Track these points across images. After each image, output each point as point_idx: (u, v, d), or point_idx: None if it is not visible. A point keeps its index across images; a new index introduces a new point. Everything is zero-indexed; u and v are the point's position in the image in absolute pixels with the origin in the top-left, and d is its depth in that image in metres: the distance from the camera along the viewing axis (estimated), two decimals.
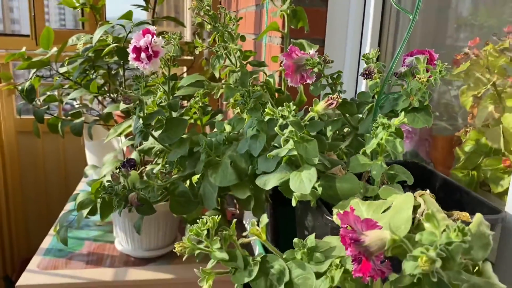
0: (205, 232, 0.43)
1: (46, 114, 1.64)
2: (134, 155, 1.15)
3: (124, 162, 0.67)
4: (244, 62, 0.76)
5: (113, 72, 1.82)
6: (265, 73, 0.78)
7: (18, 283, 1.26)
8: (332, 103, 0.48)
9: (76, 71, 1.50)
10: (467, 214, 0.49)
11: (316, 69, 0.66)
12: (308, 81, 0.73)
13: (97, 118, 1.58)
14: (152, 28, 0.73)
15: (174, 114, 0.76)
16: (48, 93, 1.82)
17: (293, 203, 0.52)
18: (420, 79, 0.52)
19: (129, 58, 0.72)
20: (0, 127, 2.25)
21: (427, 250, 0.34)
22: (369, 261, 0.36)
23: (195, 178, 0.74)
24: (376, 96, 0.63)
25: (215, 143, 0.68)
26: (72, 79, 1.55)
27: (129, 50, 0.73)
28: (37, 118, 1.61)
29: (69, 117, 1.63)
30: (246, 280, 0.42)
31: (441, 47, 1.08)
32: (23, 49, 1.64)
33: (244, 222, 1.27)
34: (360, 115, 0.71)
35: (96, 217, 1.58)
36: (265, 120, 0.59)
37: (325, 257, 0.42)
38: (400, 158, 0.52)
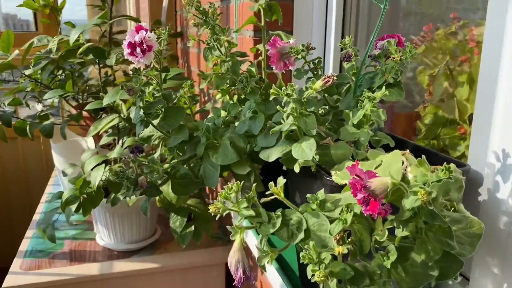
0: (233, 194, 0.50)
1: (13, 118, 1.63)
2: (117, 150, 1.19)
3: (133, 148, 0.72)
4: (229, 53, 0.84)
5: (76, 73, 1.83)
6: (250, 62, 0.85)
7: (4, 285, 1.26)
8: (329, 81, 0.57)
9: (45, 73, 1.50)
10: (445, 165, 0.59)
11: (299, 56, 0.74)
12: (290, 67, 0.81)
13: (68, 118, 1.58)
14: (144, 24, 0.79)
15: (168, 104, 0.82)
16: (11, 96, 1.80)
17: (296, 170, 0.60)
18: (394, 58, 0.62)
19: (124, 53, 0.78)
20: None
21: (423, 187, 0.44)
22: (376, 202, 0.45)
23: (192, 161, 0.81)
24: (354, 77, 0.73)
25: (214, 127, 0.75)
26: (40, 81, 1.55)
27: (124, 46, 0.78)
28: (4, 122, 1.60)
29: (37, 120, 1.63)
30: (272, 231, 0.50)
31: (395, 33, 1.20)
32: None
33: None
34: (337, 96, 0.81)
35: (73, 217, 1.60)
36: (263, 101, 0.67)
37: (334, 206, 0.51)
38: (382, 126, 0.62)
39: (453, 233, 0.45)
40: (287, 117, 0.60)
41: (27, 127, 1.63)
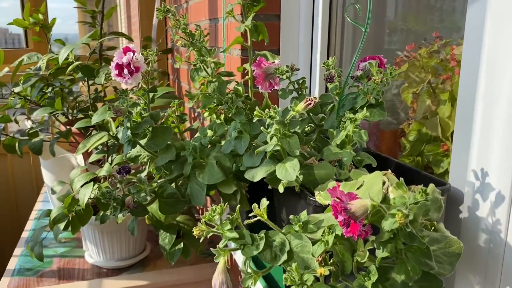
0: (217, 217, 0.51)
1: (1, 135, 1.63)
2: (106, 167, 1.19)
3: (120, 169, 0.73)
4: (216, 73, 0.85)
5: (65, 90, 1.84)
6: (237, 82, 0.87)
7: None
8: (310, 103, 0.59)
9: (35, 90, 1.51)
10: (422, 187, 0.61)
11: (284, 76, 0.76)
12: (276, 87, 0.83)
13: (58, 136, 1.58)
14: (131, 46, 0.80)
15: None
16: (1, 113, 1.79)
17: (280, 190, 0.61)
18: (375, 80, 0.64)
19: (112, 75, 0.79)
20: None
21: (401, 210, 0.45)
22: (356, 223, 0.46)
23: (179, 180, 0.82)
24: (337, 97, 0.74)
25: (200, 146, 0.76)
26: (29, 99, 1.55)
27: (111, 67, 0.80)
28: None
29: (25, 137, 1.63)
30: (255, 253, 0.51)
31: (379, 51, 1.23)
32: None
33: None
34: (322, 115, 0.82)
35: (62, 234, 1.58)
36: (248, 122, 0.68)
37: (317, 227, 0.51)
38: (364, 146, 0.63)
39: (431, 254, 0.46)
40: (271, 138, 0.61)
41: (16, 144, 1.63)
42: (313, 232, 0.51)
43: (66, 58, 1.27)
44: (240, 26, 0.93)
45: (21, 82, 1.55)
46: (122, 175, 0.73)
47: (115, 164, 1.22)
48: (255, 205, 0.53)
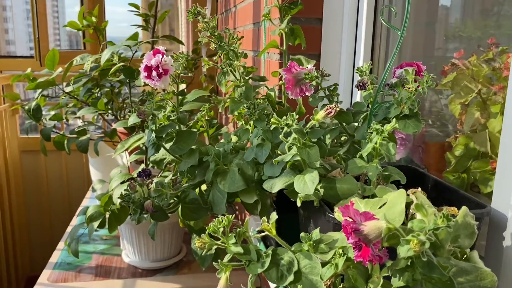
0: (221, 229, 0.48)
1: (52, 132, 1.70)
2: (141, 168, 1.20)
3: (140, 172, 0.72)
4: (247, 78, 0.82)
5: (116, 90, 1.89)
6: (267, 87, 0.84)
7: None
8: (331, 112, 0.54)
9: (82, 90, 1.56)
10: (455, 209, 0.54)
11: (314, 82, 0.72)
12: (307, 93, 0.79)
13: (102, 135, 1.63)
14: (161, 48, 0.79)
15: (182, 127, 0.82)
16: (54, 112, 1.88)
17: (298, 203, 0.57)
18: (409, 88, 0.58)
19: (141, 76, 0.78)
20: (4, 146, 2.29)
21: (418, 235, 0.39)
22: (368, 247, 0.41)
23: (204, 186, 0.80)
24: (370, 106, 0.69)
25: (223, 152, 0.73)
26: (79, 98, 1.60)
27: (141, 69, 0.79)
28: (44, 136, 1.66)
29: (74, 135, 1.69)
30: (260, 271, 0.47)
31: (430, 59, 1.15)
32: (28, 70, 1.70)
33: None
34: (356, 124, 0.77)
35: (103, 231, 1.62)
36: (270, 129, 0.65)
37: (329, 248, 0.47)
38: (393, 160, 0.58)
39: (455, 287, 0.41)
40: (290, 147, 0.57)
41: (65, 142, 1.69)
42: (324, 253, 0.46)
43: (111, 60, 1.29)
44: (276, 29, 0.90)
45: (72, 82, 1.61)
46: (142, 178, 0.71)
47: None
48: (264, 218, 0.50)
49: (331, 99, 0.73)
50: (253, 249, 0.48)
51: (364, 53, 1.07)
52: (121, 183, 1.18)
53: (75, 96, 1.66)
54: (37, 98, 1.70)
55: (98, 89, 1.64)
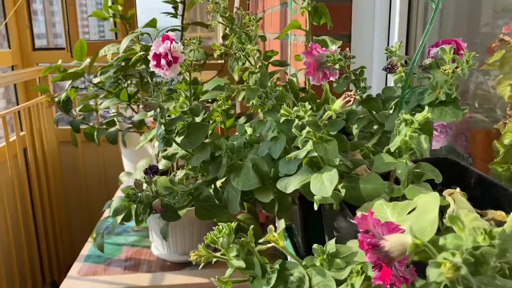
0: (221, 239, 0.42)
1: (82, 124, 1.69)
2: (163, 160, 1.16)
3: (146, 169, 0.67)
4: (266, 63, 0.75)
5: (145, 80, 1.86)
6: (286, 73, 0.76)
7: None
8: (350, 101, 0.46)
9: (108, 81, 1.53)
10: (503, 213, 0.45)
11: (337, 66, 0.64)
12: (331, 78, 0.71)
13: (131, 125, 1.60)
14: (171, 34, 0.73)
15: (198, 119, 0.76)
16: (84, 103, 1.88)
17: (315, 207, 0.50)
18: (445, 70, 0.49)
19: (150, 65, 0.72)
20: (42, 138, 2.33)
21: (453, 255, 0.31)
22: (389, 268, 0.34)
23: (219, 182, 0.74)
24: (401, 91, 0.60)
25: (237, 146, 0.67)
26: (105, 89, 1.58)
27: (150, 57, 0.73)
28: (73, 128, 1.66)
29: (104, 126, 1.67)
30: None
31: (475, 35, 1.03)
32: (59, 61, 1.69)
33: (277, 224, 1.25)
34: (387, 111, 0.68)
35: (133, 222, 1.60)
36: (284, 121, 0.58)
37: (346, 263, 0.40)
38: (426, 155, 0.49)
39: None
40: (305, 142, 0.50)
41: (95, 133, 1.68)
42: (340, 269, 0.39)
43: (133, 49, 1.25)
44: (298, 8, 0.82)
45: (99, 73, 1.59)
46: (149, 175, 0.66)
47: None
48: (271, 227, 0.43)
49: (357, 84, 0.65)
50: (257, 263, 0.42)
51: (399, 33, 0.97)
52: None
53: (103, 87, 1.64)
54: (67, 89, 1.70)
55: (125, 79, 1.61)
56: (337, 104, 0.47)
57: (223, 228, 0.42)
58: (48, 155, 2.38)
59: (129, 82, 1.67)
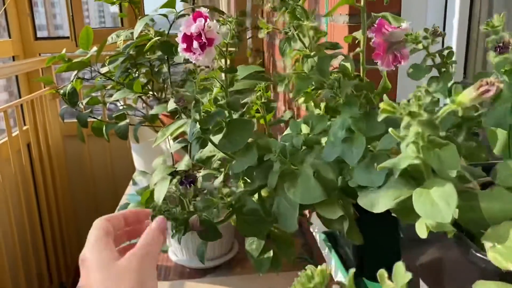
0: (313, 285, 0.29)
1: (89, 118, 1.57)
2: (185, 160, 1.03)
3: (182, 179, 0.54)
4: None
5: (155, 69, 1.72)
6: (344, 56, 0.63)
7: None
8: (488, 91, 0.33)
9: (117, 71, 1.40)
10: None
11: (420, 46, 0.50)
12: (403, 62, 0.58)
13: (143, 119, 1.48)
14: (204, 10, 0.60)
15: (235, 115, 0.63)
16: (91, 95, 1.75)
17: (422, 234, 0.37)
18: None
19: (179, 49, 0.59)
20: (46, 132, 2.21)
21: None
22: None
23: (264, 191, 0.61)
24: (508, 77, 0.47)
25: (291, 148, 0.54)
26: (114, 79, 1.45)
27: (178, 39, 0.60)
28: (81, 123, 1.53)
29: (113, 120, 1.55)
30: None
31: None
32: (63, 51, 1.56)
33: (312, 229, 1.13)
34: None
35: None
36: (364, 117, 0.45)
37: None
38: None
39: None
40: (407, 147, 0.37)
41: (103, 128, 1.55)
42: None
43: (146, 34, 1.12)
44: None
45: (107, 62, 1.45)
46: (185, 186, 0.54)
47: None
48: (382, 272, 0.30)
49: (443, 70, 0.52)
50: None
51: (461, 7, 0.83)
52: (165, 177, 1.02)
53: (111, 78, 1.51)
54: (72, 81, 1.56)
55: (136, 69, 1.48)
56: (467, 96, 0.34)
57: (313, 273, 0.29)
58: (53, 150, 2.26)
59: (139, 72, 1.54)
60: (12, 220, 1.77)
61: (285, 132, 0.61)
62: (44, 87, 2.22)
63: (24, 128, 2.02)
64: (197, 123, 0.56)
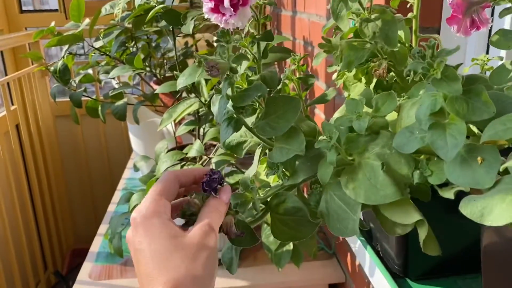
0: None
1: (83, 97, 1.44)
2: (196, 146, 0.92)
3: (205, 182, 0.42)
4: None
5: (153, 44, 1.59)
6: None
7: None
8: None
9: (113, 45, 1.27)
10: None
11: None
12: (482, 27, 0.47)
13: (142, 99, 1.36)
14: None
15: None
16: (83, 72, 1.62)
17: None
18: None
19: (204, 9, 0.48)
20: (36, 112, 2.07)
21: None
22: None
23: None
24: None
25: (349, 134, 0.43)
26: (110, 55, 1.33)
27: None
28: (74, 103, 1.41)
29: (109, 99, 1.42)
30: None
31: None
32: (52, 23, 1.42)
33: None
34: None
35: None
36: (466, 94, 0.34)
37: None
38: None
39: None
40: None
41: (99, 108, 1.43)
42: None
43: (147, 3, 0.99)
44: None
45: (102, 35, 1.32)
46: (209, 192, 0.43)
47: (209, 140, 0.95)
48: None
49: None
50: None
51: None
52: (173, 165, 0.91)
53: (107, 53, 1.38)
54: (63, 57, 1.43)
55: (133, 42, 1.36)
56: None
57: None
58: (44, 131, 2.13)
59: (136, 46, 1.41)
60: (2, 205, 1.65)
61: (336, 114, 0.50)
62: (32, 64, 2.07)
63: (12, 108, 1.88)
64: (230, 100, 0.45)
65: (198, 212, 0.43)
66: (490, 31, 0.79)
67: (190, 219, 0.43)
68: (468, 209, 0.32)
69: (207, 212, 0.41)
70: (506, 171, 0.32)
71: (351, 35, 0.55)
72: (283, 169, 0.50)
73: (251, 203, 0.46)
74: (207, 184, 0.43)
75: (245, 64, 0.45)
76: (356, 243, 0.85)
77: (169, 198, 0.42)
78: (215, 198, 0.43)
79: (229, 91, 0.45)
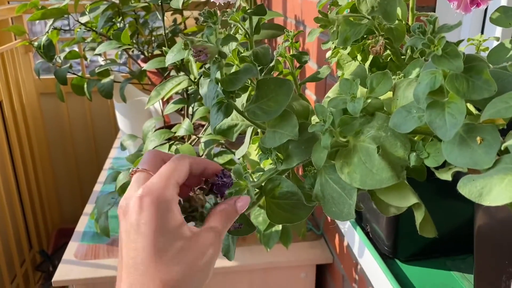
0: None
1: (68, 74, 1.40)
2: (185, 125, 0.90)
3: (217, 185, 0.41)
4: None
5: (141, 20, 1.55)
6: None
7: (54, 278, 1.07)
8: None
9: (100, 20, 1.23)
10: None
11: None
12: (483, 4, 0.46)
13: (129, 76, 1.33)
14: None
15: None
16: (68, 49, 1.57)
17: None
18: None
19: None
20: (19, 89, 2.02)
21: None
22: None
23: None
24: None
25: (344, 116, 0.42)
26: (97, 30, 1.29)
27: None
28: (59, 79, 1.37)
29: (95, 76, 1.39)
30: None
31: None
32: None
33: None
34: None
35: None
36: (467, 72, 0.33)
37: None
38: None
39: None
40: None
41: (85, 85, 1.40)
42: None
43: None
44: None
45: (88, 10, 1.28)
46: (217, 196, 0.41)
47: (198, 120, 0.93)
48: None
49: None
50: None
51: None
52: (161, 144, 0.89)
53: (93, 29, 1.34)
54: (47, 31, 1.38)
55: (120, 18, 1.32)
56: None
57: None
58: (28, 109, 2.08)
59: (124, 22, 1.37)
60: None
61: (329, 94, 0.49)
62: (15, 39, 2.01)
63: None
64: (220, 84, 0.43)
65: (200, 209, 0.41)
66: (485, 11, 0.78)
67: (189, 215, 0.41)
68: (467, 188, 0.31)
69: (220, 218, 0.40)
70: (504, 151, 0.31)
71: (346, 12, 0.54)
72: (278, 153, 0.48)
73: (246, 191, 0.45)
74: (217, 188, 0.41)
75: (234, 45, 0.43)
76: (345, 224, 0.85)
77: (179, 184, 0.39)
78: (229, 204, 0.41)
79: (218, 75, 0.43)
